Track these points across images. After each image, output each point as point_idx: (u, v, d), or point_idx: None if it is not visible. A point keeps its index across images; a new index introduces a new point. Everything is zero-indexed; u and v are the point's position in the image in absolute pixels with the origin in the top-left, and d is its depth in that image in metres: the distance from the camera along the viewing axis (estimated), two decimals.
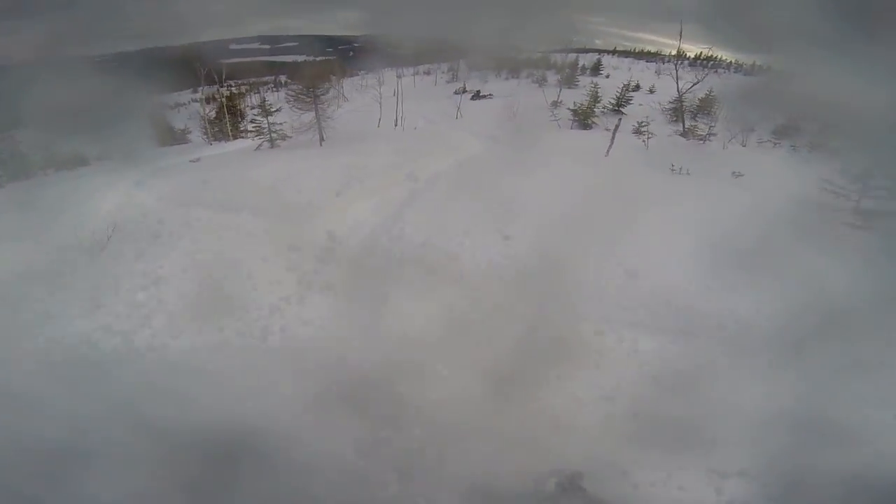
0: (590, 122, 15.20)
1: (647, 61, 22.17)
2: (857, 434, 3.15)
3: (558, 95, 17.21)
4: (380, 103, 15.93)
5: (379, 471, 3.20)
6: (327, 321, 4.84)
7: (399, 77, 20.18)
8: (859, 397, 3.38)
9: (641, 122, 13.44)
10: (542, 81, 19.50)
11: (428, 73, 21.99)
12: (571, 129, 14.82)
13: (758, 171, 9.14)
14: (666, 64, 21.08)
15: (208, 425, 3.51)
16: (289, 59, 19.46)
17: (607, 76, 20.74)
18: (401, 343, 4.36)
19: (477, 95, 19.70)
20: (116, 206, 7.54)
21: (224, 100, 15.57)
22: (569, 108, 15.32)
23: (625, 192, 6.67)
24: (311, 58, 19.12)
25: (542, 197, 6.97)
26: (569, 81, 18.58)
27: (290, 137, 12.98)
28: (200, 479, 2.64)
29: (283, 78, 18.30)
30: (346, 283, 5.25)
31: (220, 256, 5.91)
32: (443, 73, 22.06)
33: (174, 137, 15.47)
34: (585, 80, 18.81)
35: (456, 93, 19.81)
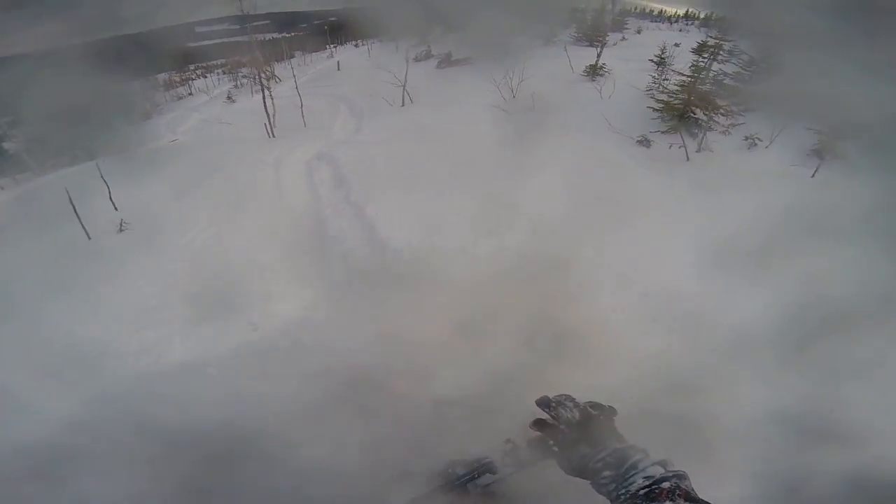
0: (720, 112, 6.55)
1: (651, 20, 18.99)
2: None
3: (598, 57, 9.54)
4: (265, 102, 9.71)
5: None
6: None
7: (356, 46, 17.37)
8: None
9: None
10: (549, 39, 13.19)
11: (393, 40, 16.95)
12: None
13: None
14: (675, 23, 18.32)
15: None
16: (260, 37, 18.46)
17: (638, 32, 14.97)
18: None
19: (447, 61, 13.34)
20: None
21: None
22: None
23: None
24: (279, 35, 18.12)
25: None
26: (596, 36, 11.73)
27: None
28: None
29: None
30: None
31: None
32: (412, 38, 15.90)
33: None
34: (614, 37, 13.31)
35: (417, 60, 13.60)
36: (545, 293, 4.44)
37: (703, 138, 6.60)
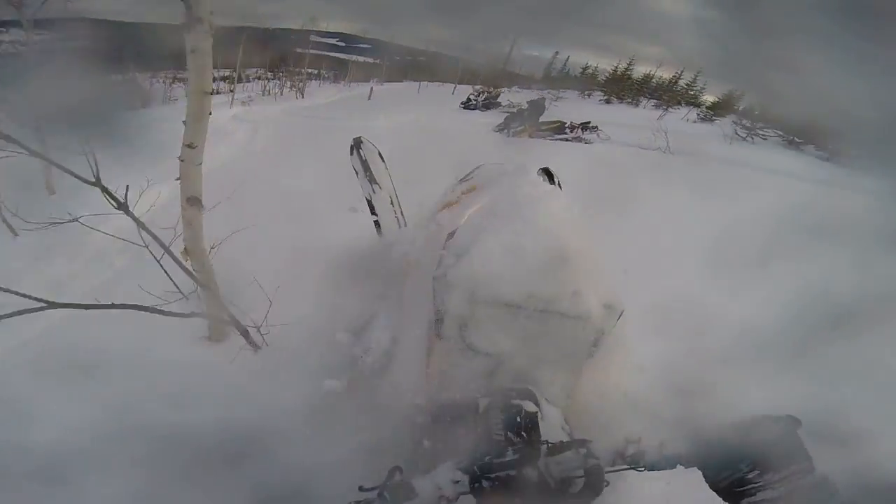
0: None
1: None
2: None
3: None
4: None
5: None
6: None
7: (415, 82, 16.09)
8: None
9: None
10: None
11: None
12: None
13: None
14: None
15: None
16: (353, 58, 19.43)
17: None
18: None
19: (531, 122, 8.89)
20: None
21: None
22: None
23: None
24: (367, 60, 19.02)
25: None
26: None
27: None
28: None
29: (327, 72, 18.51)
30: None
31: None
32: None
33: None
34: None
35: (466, 107, 11.90)
36: None
37: None
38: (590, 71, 15.79)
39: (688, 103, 13.27)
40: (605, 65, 14.93)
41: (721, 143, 8.71)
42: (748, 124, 9.27)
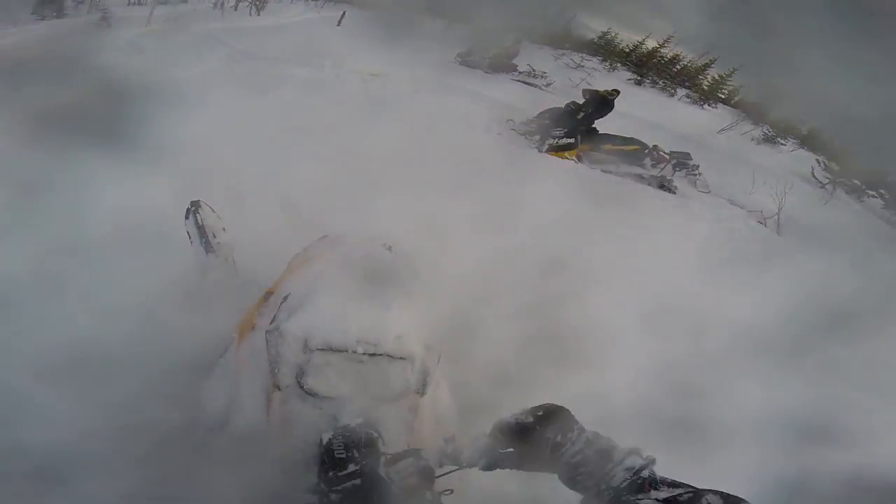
0: None
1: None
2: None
3: None
4: None
5: None
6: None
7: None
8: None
9: None
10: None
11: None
12: None
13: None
14: None
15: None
16: None
17: None
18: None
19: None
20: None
21: None
22: None
23: None
24: None
25: None
26: None
27: None
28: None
29: None
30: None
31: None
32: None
33: None
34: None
35: (465, 62, 8.83)
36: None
37: None
38: (609, 36, 13.58)
39: (719, 100, 12.05)
40: (623, 35, 12.99)
41: (817, 204, 7.08)
42: (833, 168, 7.25)
